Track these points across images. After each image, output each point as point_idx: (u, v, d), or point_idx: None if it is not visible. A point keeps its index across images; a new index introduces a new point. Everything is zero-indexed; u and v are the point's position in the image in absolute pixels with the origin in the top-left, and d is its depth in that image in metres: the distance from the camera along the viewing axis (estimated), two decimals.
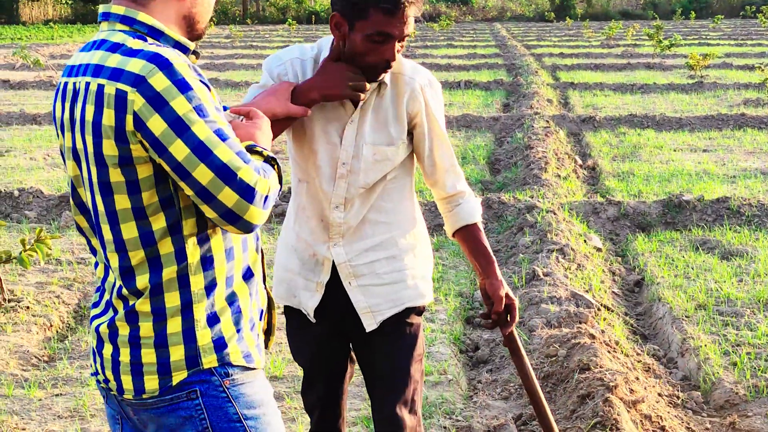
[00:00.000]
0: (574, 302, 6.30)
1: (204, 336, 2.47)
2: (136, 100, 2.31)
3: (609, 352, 5.38)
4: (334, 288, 3.36)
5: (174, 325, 2.45)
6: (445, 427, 4.87)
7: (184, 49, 2.52)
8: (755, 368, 5.47)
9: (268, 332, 2.80)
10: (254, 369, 2.58)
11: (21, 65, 26.53)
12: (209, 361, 2.48)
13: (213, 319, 2.49)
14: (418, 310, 3.44)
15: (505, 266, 7.55)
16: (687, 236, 8.41)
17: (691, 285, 7.02)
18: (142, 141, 2.32)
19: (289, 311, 3.49)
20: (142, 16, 2.46)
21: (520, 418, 4.86)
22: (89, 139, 2.38)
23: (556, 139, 13.16)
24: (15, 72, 25.58)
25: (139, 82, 2.31)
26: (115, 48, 2.41)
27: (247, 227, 2.41)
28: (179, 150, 2.32)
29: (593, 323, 5.91)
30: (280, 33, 49.43)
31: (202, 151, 2.32)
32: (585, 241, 8.17)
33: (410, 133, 3.34)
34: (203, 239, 2.48)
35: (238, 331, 2.54)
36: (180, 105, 2.32)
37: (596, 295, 6.76)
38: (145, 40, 2.43)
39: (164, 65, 2.33)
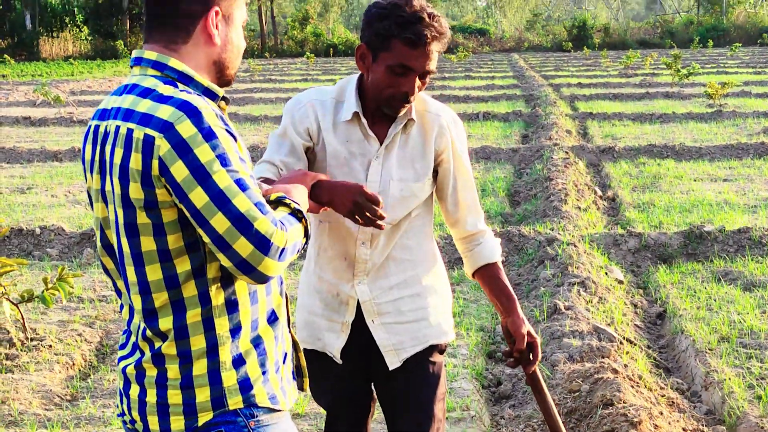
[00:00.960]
0: (597, 336, 6.27)
1: (229, 377, 2.48)
2: (162, 146, 2.35)
3: (632, 386, 5.34)
4: (358, 327, 3.37)
5: (200, 367, 2.47)
6: None
7: (212, 96, 2.55)
8: None
9: (300, 374, 2.82)
10: (280, 411, 2.59)
11: (42, 102, 26.71)
12: (235, 402, 2.49)
13: (239, 361, 2.51)
14: (441, 349, 3.45)
15: (526, 300, 7.54)
16: (709, 267, 8.37)
17: (713, 317, 6.98)
18: (166, 186, 2.36)
19: (309, 354, 3.47)
20: (173, 62, 2.52)
21: None
22: (117, 181, 2.42)
23: (575, 170, 13.15)
24: (36, 109, 25.77)
25: (167, 128, 2.36)
26: (146, 93, 2.45)
27: (261, 278, 2.42)
28: (199, 197, 2.35)
29: (616, 357, 5.88)
30: (298, 66, 49.69)
31: (220, 200, 2.35)
32: (606, 273, 8.15)
33: (435, 171, 3.37)
34: (227, 283, 2.50)
35: (263, 372, 2.55)
36: (203, 153, 2.36)
37: (618, 329, 6.73)
38: (176, 86, 2.47)
39: (192, 113, 2.37)
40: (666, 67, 29.94)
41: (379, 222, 2.99)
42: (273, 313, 2.63)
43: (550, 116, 19.84)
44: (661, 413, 5.16)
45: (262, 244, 2.37)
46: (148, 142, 2.36)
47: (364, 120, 3.26)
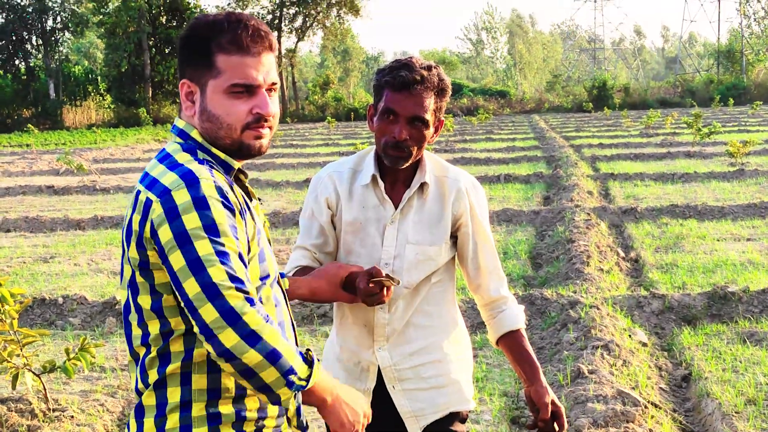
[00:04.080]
0: (621, 400, 6.22)
1: None
2: (156, 209, 2.42)
3: None
4: (379, 395, 3.38)
5: (172, 421, 2.49)
6: None
7: (228, 167, 2.60)
8: None
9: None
10: None
11: (65, 170, 26.99)
12: None
13: (213, 418, 2.51)
14: (462, 417, 3.45)
15: (549, 364, 7.50)
16: (734, 329, 8.31)
17: (740, 379, 6.91)
18: (155, 248, 2.43)
19: None
20: (194, 133, 2.60)
21: None
22: (124, 240, 2.52)
23: (597, 231, 13.14)
24: (59, 177, 26.02)
25: (164, 193, 2.43)
26: (164, 159, 2.55)
27: (217, 347, 2.35)
28: (177, 260, 2.39)
29: (641, 422, 5.83)
30: (319, 131, 50.09)
31: (196, 266, 2.37)
32: (630, 336, 8.09)
33: (453, 236, 3.39)
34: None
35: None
36: (190, 220, 2.39)
37: (643, 392, 6.67)
38: (196, 154, 2.55)
39: (191, 182, 2.43)
40: (687, 126, 30.05)
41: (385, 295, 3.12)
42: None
43: (572, 177, 19.88)
44: None
45: (229, 315, 2.35)
46: (147, 205, 2.44)
47: (381, 183, 3.32)
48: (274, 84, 2.64)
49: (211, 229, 2.40)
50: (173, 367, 2.48)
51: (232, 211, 2.46)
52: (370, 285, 3.13)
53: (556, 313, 8.74)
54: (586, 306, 8.58)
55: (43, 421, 6.38)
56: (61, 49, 69.55)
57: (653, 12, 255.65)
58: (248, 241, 2.53)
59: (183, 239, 2.39)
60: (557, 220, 14.55)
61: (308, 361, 2.49)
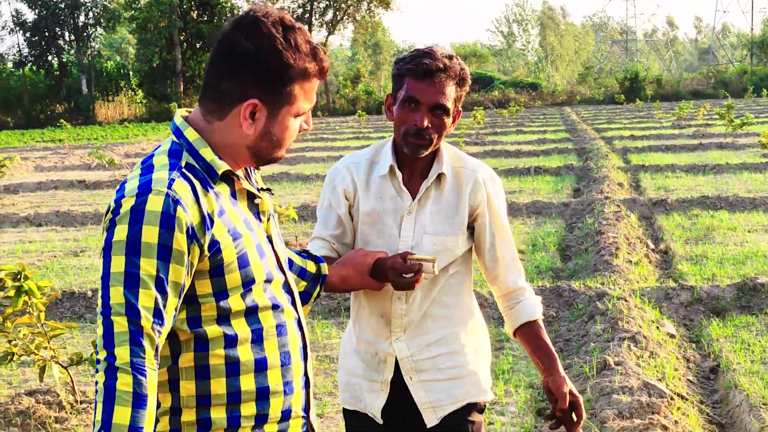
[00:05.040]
0: (647, 392, 6.19)
1: None
2: (108, 215, 2.40)
3: None
4: (397, 386, 3.37)
5: (163, 424, 2.48)
6: None
7: (212, 172, 2.51)
8: None
9: None
10: None
11: (96, 165, 27.17)
12: None
13: (203, 423, 2.49)
14: (480, 408, 3.43)
15: (576, 356, 7.47)
16: (763, 320, 8.26)
17: (766, 370, 6.87)
18: None
19: (349, 414, 3.51)
20: (188, 132, 2.54)
21: None
22: None
23: (627, 223, 13.08)
24: (91, 172, 26.23)
25: (117, 200, 2.40)
26: (145, 162, 2.51)
27: (103, 357, 2.32)
28: (101, 267, 2.39)
29: (666, 413, 5.80)
30: (350, 124, 50.11)
31: (105, 279, 2.34)
32: (657, 327, 8.05)
33: (471, 227, 3.38)
34: (201, 351, 2.49)
35: None
36: (119, 232, 2.35)
37: (670, 384, 6.64)
38: (179, 157, 2.50)
39: (142, 194, 2.36)
40: (719, 118, 29.84)
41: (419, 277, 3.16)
42: (265, 392, 2.56)
43: (602, 169, 19.78)
44: None
45: (106, 336, 2.31)
46: (108, 209, 2.42)
47: (399, 173, 3.31)
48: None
49: (133, 246, 2.33)
50: (161, 372, 2.45)
51: (176, 225, 2.36)
52: (409, 263, 3.15)
53: (584, 305, 8.71)
54: (614, 298, 8.54)
55: (71, 413, 6.44)
56: (93, 44, 69.92)
57: (686, 3, 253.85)
58: (214, 251, 2.44)
59: (106, 250, 2.37)
60: (587, 212, 14.49)
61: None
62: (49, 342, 6.24)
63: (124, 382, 2.27)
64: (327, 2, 72.09)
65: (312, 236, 3.41)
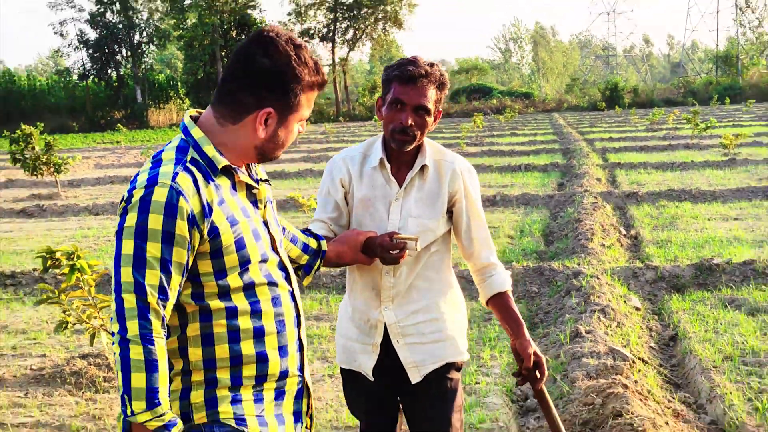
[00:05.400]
0: (612, 356, 6.18)
1: (197, 395, 2.49)
2: (122, 203, 2.42)
3: (641, 400, 5.25)
4: (385, 348, 3.38)
5: (176, 383, 2.50)
6: None
7: (212, 165, 2.50)
8: None
9: (308, 417, 2.75)
10: (245, 431, 2.52)
11: None
12: (199, 417, 2.50)
13: (210, 382, 2.50)
14: (457, 366, 3.44)
15: (554, 325, 7.47)
16: (717, 295, 8.23)
17: (719, 339, 6.84)
18: None
19: (345, 373, 3.52)
20: (194, 131, 2.53)
21: None
22: None
23: (602, 212, 13.04)
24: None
25: (130, 190, 2.41)
26: (156, 156, 2.51)
27: (116, 330, 2.34)
28: (113, 251, 2.40)
29: (628, 374, 5.80)
30: (367, 128, 50.07)
31: (117, 260, 2.36)
32: (625, 301, 8.04)
33: (449, 211, 3.39)
34: (206, 321, 2.50)
35: (235, 396, 2.52)
36: (130, 219, 2.36)
37: (633, 350, 6.63)
38: (184, 153, 2.49)
39: (150, 186, 2.37)
40: (686, 122, 29.64)
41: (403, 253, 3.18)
42: (263, 356, 2.56)
43: (583, 166, 19.73)
44: (667, 423, 5.07)
45: (118, 311, 2.33)
46: (122, 198, 2.43)
47: (387, 165, 3.32)
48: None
49: (142, 232, 2.34)
50: (171, 340, 2.48)
51: (179, 213, 2.37)
52: (395, 241, 3.17)
53: (562, 282, 8.71)
54: (588, 276, 8.53)
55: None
56: (146, 59, 70.11)
57: (660, 22, 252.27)
58: (213, 236, 2.44)
59: (119, 234, 2.37)
60: (568, 203, 14.46)
61: (153, 405, 2.33)
62: (98, 312, 6.25)
63: (136, 352, 2.30)
64: (348, 23, 71.97)
65: (313, 218, 3.42)
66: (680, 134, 30.93)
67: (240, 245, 2.50)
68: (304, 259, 3.12)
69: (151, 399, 2.31)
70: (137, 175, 2.46)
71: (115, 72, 68.30)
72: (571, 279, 8.62)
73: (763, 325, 7.14)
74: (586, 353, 6.26)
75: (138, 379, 2.30)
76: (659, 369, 6.46)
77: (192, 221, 2.39)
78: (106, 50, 67.13)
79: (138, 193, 2.37)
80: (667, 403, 5.62)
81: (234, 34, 66.99)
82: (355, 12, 71.40)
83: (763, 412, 5.31)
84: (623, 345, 6.64)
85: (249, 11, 67.62)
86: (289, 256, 3.06)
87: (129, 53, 67.38)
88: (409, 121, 3.21)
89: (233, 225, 2.48)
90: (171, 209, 2.35)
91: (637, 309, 7.97)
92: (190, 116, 2.58)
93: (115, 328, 2.33)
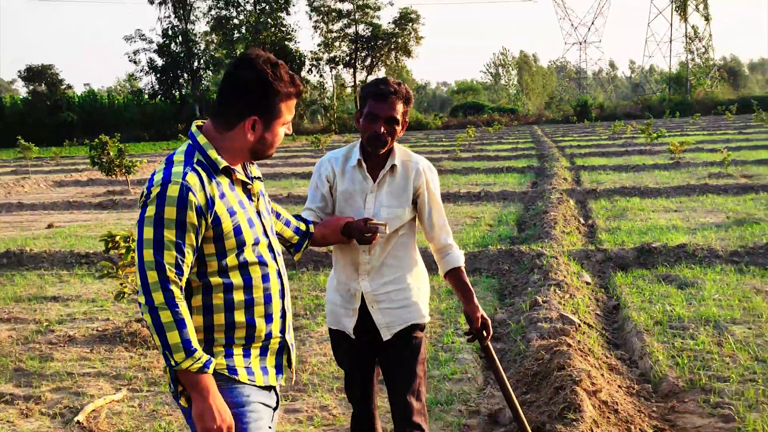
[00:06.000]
0: (561, 321, 6.18)
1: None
2: (142, 198, 2.45)
3: (581, 356, 5.25)
4: (362, 312, 3.41)
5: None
6: (461, 410, 4.82)
7: (215, 166, 2.52)
8: (692, 367, 5.30)
9: (285, 369, 2.75)
10: (237, 380, 2.55)
11: None
12: None
13: (208, 342, 2.53)
14: (421, 327, 3.45)
15: (519, 297, 7.47)
16: (654, 273, 8.20)
17: (652, 307, 6.84)
18: None
19: (333, 332, 3.54)
20: (200, 138, 2.56)
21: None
22: None
23: (566, 206, 13.00)
24: None
25: (149, 186, 2.44)
26: (168, 158, 2.53)
27: (143, 302, 2.37)
28: (136, 237, 2.43)
29: (573, 335, 5.80)
30: None
31: (140, 244, 2.39)
32: (578, 277, 8.03)
33: (414, 202, 3.41)
34: (207, 295, 2.51)
35: (228, 352, 2.54)
36: (149, 210, 2.39)
37: (581, 316, 6.62)
38: (191, 154, 2.51)
39: (164, 184, 2.40)
40: (641, 132, 29.46)
41: (376, 234, 3.22)
42: (252, 322, 2.57)
43: (554, 169, 19.64)
44: (603, 375, 5.08)
45: (144, 287, 2.36)
46: (142, 194, 2.46)
47: (364, 165, 3.35)
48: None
49: (159, 220, 2.37)
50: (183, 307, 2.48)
51: (188, 205, 2.40)
52: (369, 225, 3.21)
53: (528, 262, 8.70)
54: (548, 257, 8.52)
55: None
56: (203, 82, 70.03)
57: (623, 50, 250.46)
58: (216, 224, 2.47)
59: (140, 223, 2.40)
60: (539, 198, 14.42)
61: (191, 353, 2.37)
62: None
63: (166, 316, 2.34)
64: (367, 52, 71.74)
65: (304, 207, 3.44)
66: (636, 142, 30.74)
67: (237, 231, 2.52)
68: (295, 239, 3.16)
69: (188, 348, 2.36)
70: (154, 174, 2.48)
71: (178, 92, 68.26)
72: (535, 259, 8.61)
73: (689, 297, 7.13)
74: (541, 319, 6.27)
75: (173, 336, 2.34)
76: (602, 332, 6.46)
77: (199, 212, 2.42)
78: (171, 75, 67.12)
79: (155, 190, 2.40)
80: (605, 359, 5.63)
81: None
82: (372, 43, 71.18)
83: (682, 366, 5.32)
84: (573, 312, 6.64)
85: (287, 42, 67.50)
86: (283, 236, 3.11)
87: (189, 77, 67.37)
88: (382, 130, 3.24)
89: (232, 215, 2.51)
90: (182, 202, 2.39)
91: (588, 283, 7.97)
92: (197, 126, 2.60)
93: (142, 299, 2.37)
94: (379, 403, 4.16)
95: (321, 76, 72.33)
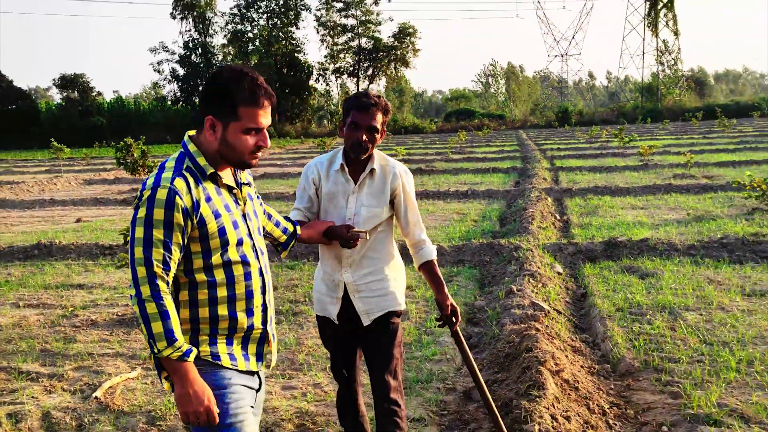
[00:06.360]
0: (533, 308, 6.22)
1: (185, 340, 2.48)
2: (135, 200, 2.44)
3: (548, 339, 5.28)
4: (345, 301, 3.45)
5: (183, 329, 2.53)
6: (439, 388, 4.85)
7: (203, 172, 2.51)
8: (647, 349, 5.33)
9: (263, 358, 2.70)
10: (220, 365, 2.54)
11: None
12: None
13: (194, 332, 2.53)
14: (398, 313, 3.48)
15: (496, 286, 7.49)
16: (619, 264, 8.22)
17: (615, 295, 6.86)
18: None
19: (320, 318, 3.56)
20: (190, 146, 2.54)
21: (486, 383, 4.83)
22: None
23: (544, 203, 13.01)
24: None
25: (141, 190, 2.44)
26: (162, 164, 2.52)
27: (133, 294, 2.38)
28: (129, 236, 2.45)
29: (542, 321, 5.83)
30: (382, 140, 49.77)
31: (132, 242, 2.40)
32: (551, 268, 8.06)
33: (391, 201, 3.44)
34: (193, 290, 2.51)
35: (211, 341, 2.53)
36: (141, 212, 2.40)
37: (552, 303, 6.65)
38: (181, 161, 2.50)
39: (155, 188, 2.40)
40: (615, 136, 29.46)
41: (357, 240, 3.25)
42: (234, 315, 2.55)
43: (535, 169, 19.64)
44: (567, 356, 5.12)
45: (134, 280, 2.37)
46: (136, 197, 2.46)
47: (347, 169, 3.37)
48: (269, 125, 2.57)
49: (149, 220, 2.38)
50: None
51: (175, 207, 2.39)
52: (350, 233, 3.23)
53: (506, 254, 8.73)
54: (524, 249, 8.55)
55: None
56: None
57: (601, 62, 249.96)
58: (201, 225, 2.46)
59: (133, 223, 2.42)
60: (520, 197, 14.43)
61: (172, 342, 2.36)
62: None
63: (151, 307, 2.34)
64: (369, 63, 71.68)
65: (293, 207, 3.47)
66: (610, 145, 30.69)
67: (222, 232, 2.51)
68: (283, 238, 3.15)
69: (170, 338, 2.35)
70: (147, 179, 2.48)
71: (197, 99, 68.31)
72: (513, 252, 8.64)
73: (649, 286, 7.16)
74: (514, 305, 6.30)
75: (157, 326, 2.34)
76: (570, 318, 6.49)
77: (185, 213, 2.42)
78: (191, 83, 67.09)
79: (146, 194, 2.40)
80: (570, 342, 5.66)
81: (285, 71, 66.85)
82: (374, 55, 71.10)
83: (638, 349, 5.36)
84: (544, 300, 6.67)
85: (296, 54, 67.46)
86: (273, 236, 3.10)
87: None
88: (364, 138, 3.27)
89: (217, 217, 2.50)
90: (170, 205, 2.39)
91: (560, 274, 7.99)
92: (188, 136, 2.59)
93: (132, 292, 2.38)
94: (362, 381, 4.21)
95: (327, 84, 72.43)
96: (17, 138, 56.34)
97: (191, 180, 2.46)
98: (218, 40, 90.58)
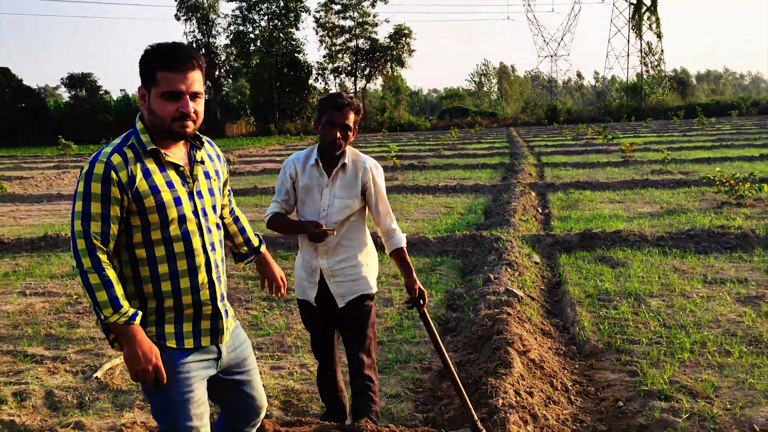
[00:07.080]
0: (507, 294, 6.35)
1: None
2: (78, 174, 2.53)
3: (519, 323, 5.42)
4: (322, 285, 3.58)
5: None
6: (416, 367, 4.98)
7: (144, 148, 2.47)
8: (611, 333, 5.46)
9: (217, 334, 2.66)
10: (164, 345, 2.52)
11: None
12: None
13: (141, 309, 2.52)
14: (370, 296, 3.61)
15: (476, 274, 7.62)
16: (593, 254, 8.34)
17: (587, 283, 6.99)
18: None
19: (300, 302, 3.69)
20: (138, 124, 2.52)
21: (460, 363, 4.97)
22: None
23: (527, 197, 13.13)
24: None
25: (84, 165, 2.45)
26: (109, 142, 2.52)
27: (75, 265, 2.40)
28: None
29: (515, 306, 5.96)
30: (377, 137, 49.92)
31: (72, 216, 2.42)
32: (528, 258, 8.19)
33: (363, 193, 3.56)
34: (134, 266, 2.49)
35: (158, 321, 2.52)
36: (80, 186, 2.41)
37: (527, 290, 6.78)
38: (128, 138, 2.49)
39: (93, 162, 2.40)
40: (599, 134, 29.55)
41: (325, 236, 3.39)
42: (178, 292, 2.52)
43: (522, 165, 19.74)
44: (536, 339, 5.25)
45: (74, 251, 2.40)
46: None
47: (321, 164, 3.50)
48: (197, 93, 2.48)
49: (84, 194, 2.38)
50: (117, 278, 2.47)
51: (111, 182, 2.38)
52: (318, 231, 3.37)
53: (487, 245, 8.85)
54: (504, 240, 8.68)
55: None
56: (224, 89, 69.98)
57: (589, 63, 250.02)
58: (137, 199, 2.43)
59: (74, 197, 2.41)
60: (505, 191, 14.55)
61: (118, 309, 2.37)
62: None
63: (94, 278, 2.36)
64: (366, 63, 71.60)
65: (272, 199, 3.60)
66: (595, 142, 30.66)
67: (160, 207, 2.45)
68: (244, 249, 3.06)
69: (115, 305, 2.36)
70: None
71: None
72: (493, 243, 8.76)
73: (618, 275, 7.29)
74: (490, 292, 6.42)
75: (101, 295, 2.35)
76: (543, 304, 6.62)
77: (121, 187, 2.39)
78: None
79: (85, 167, 2.40)
80: (541, 326, 5.79)
81: (285, 70, 66.82)
82: (371, 55, 71.03)
83: (603, 332, 5.50)
84: (519, 287, 6.79)
85: (296, 54, 67.42)
86: (233, 240, 3.03)
87: (211, 84, 67.31)
88: (338, 135, 3.40)
89: (156, 193, 2.44)
90: (106, 178, 2.38)
91: (537, 263, 8.12)
92: (139, 116, 2.54)
93: (74, 263, 2.39)
94: (341, 359, 4.36)
95: (326, 83, 72.30)
96: (27, 135, 56.31)
97: (131, 155, 2.43)
98: (221, 40, 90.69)
